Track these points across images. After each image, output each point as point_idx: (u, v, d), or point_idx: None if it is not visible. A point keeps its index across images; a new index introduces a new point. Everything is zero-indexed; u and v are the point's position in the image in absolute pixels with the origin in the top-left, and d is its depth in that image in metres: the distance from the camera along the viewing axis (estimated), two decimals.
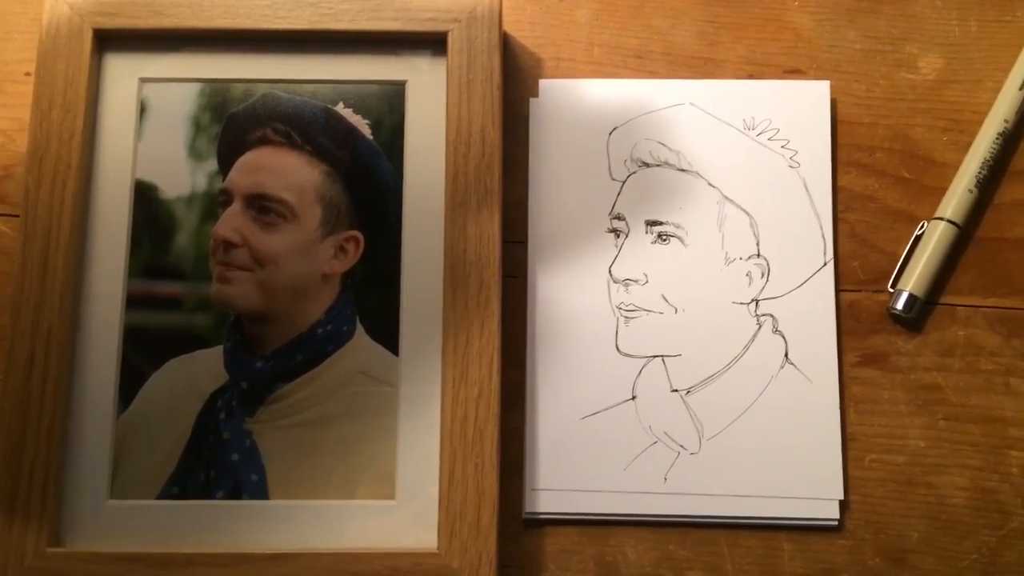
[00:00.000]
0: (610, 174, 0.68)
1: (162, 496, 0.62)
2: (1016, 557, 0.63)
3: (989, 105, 0.68)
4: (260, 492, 0.62)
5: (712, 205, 0.67)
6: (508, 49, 0.70)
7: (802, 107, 0.68)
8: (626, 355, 0.66)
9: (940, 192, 0.67)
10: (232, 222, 0.65)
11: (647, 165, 0.68)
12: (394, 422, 0.63)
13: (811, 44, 0.70)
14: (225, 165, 0.66)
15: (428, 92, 0.66)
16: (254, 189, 0.65)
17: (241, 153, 0.66)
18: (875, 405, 0.65)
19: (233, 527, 0.62)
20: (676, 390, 0.65)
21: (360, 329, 0.64)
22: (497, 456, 0.61)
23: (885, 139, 0.69)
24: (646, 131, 0.68)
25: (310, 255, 0.65)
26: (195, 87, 0.67)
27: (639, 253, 0.67)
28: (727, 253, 0.66)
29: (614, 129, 0.68)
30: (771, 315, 0.66)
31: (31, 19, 0.70)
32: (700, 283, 0.66)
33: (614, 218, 0.67)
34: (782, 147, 0.68)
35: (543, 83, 0.69)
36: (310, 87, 0.67)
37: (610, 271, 0.66)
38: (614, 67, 0.70)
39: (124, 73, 0.67)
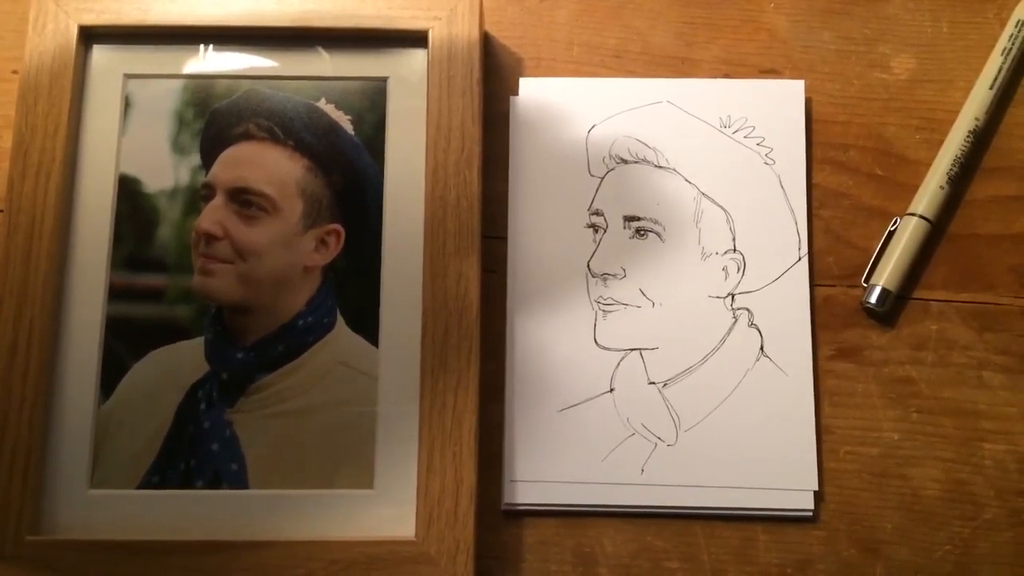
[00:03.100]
0: (589, 170, 0.69)
1: (142, 485, 0.63)
2: (989, 548, 0.64)
3: (960, 104, 0.70)
4: (240, 481, 0.63)
5: (689, 201, 0.68)
6: (489, 48, 0.71)
7: (777, 106, 0.69)
8: (604, 348, 0.66)
9: (912, 189, 0.69)
10: (214, 215, 0.66)
11: (625, 162, 0.69)
12: (373, 412, 0.63)
13: (786, 45, 0.72)
14: (208, 159, 0.67)
15: (409, 88, 0.67)
16: (236, 183, 0.66)
17: (224, 148, 0.67)
18: (849, 398, 0.66)
19: (212, 516, 0.62)
20: (653, 383, 0.66)
21: (341, 321, 0.65)
22: (475, 445, 0.62)
23: (859, 137, 0.70)
24: (624, 128, 0.69)
25: (292, 248, 0.65)
26: (179, 83, 0.68)
27: (617, 248, 0.67)
28: (704, 248, 0.67)
29: (593, 126, 0.69)
30: (747, 309, 0.66)
31: (19, 18, 0.70)
32: (677, 277, 0.67)
33: (593, 214, 0.68)
34: (758, 144, 0.69)
35: (523, 81, 0.70)
36: (293, 83, 0.68)
37: (588, 265, 0.67)
38: (593, 66, 0.71)
39: (109, 69, 0.68)
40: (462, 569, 0.60)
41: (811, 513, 0.64)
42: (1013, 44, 0.69)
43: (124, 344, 0.64)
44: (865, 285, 0.67)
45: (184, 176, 0.66)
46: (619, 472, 0.65)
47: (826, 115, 0.70)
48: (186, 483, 0.63)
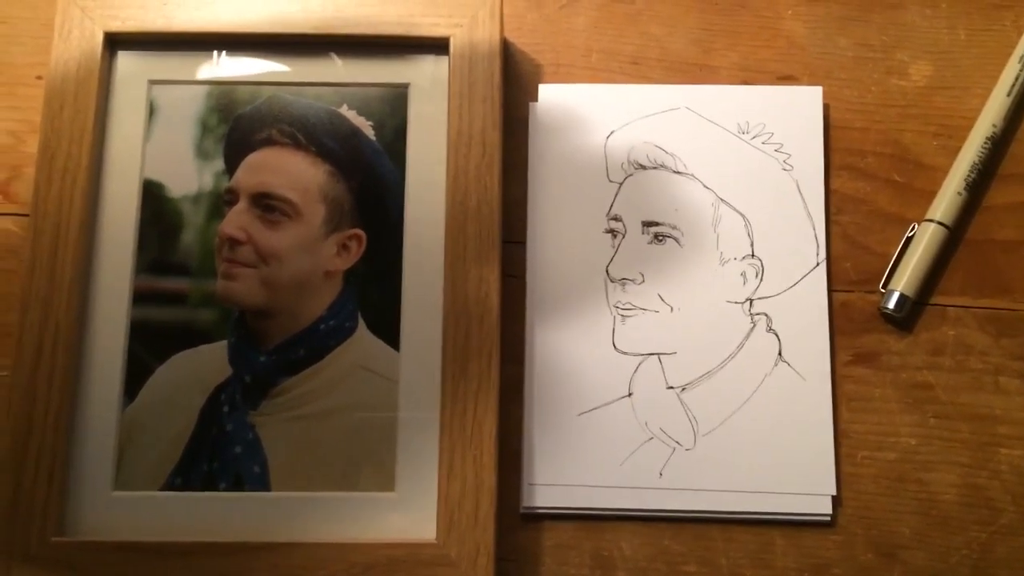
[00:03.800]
0: (608, 176, 0.69)
1: (165, 487, 0.63)
2: (1005, 553, 0.64)
3: (977, 111, 0.70)
4: (262, 484, 0.63)
5: (707, 207, 0.68)
6: (509, 55, 0.72)
7: (795, 112, 0.70)
8: (623, 353, 0.67)
9: (930, 195, 0.69)
10: (237, 220, 0.66)
11: (644, 167, 0.69)
12: (394, 416, 0.64)
13: (804, 51, 0.72)
14: (231, 165, 0.67)
15: (430, 95, 0.68)
16: (259, 188, 0.67)
17: (247, 153, 0.67)
18: (867, 403, 0.66)
19: (235, 518, 0.63)
20: (672, 387, 0.66)
21: (362, 325, 0.65)
22: (495, 449, 0.62)
23: (876, 143, 0.70)
24: (643, 134, 0.70)
25: (313, 252, 0.66)
26: (203, 89, 0.68)
27: (636, 253, 0.68)
28: (722, 253, 0.68)
29: (612, 132, 0.70)
30: (765, 314, 0.67)
31: (43, 24, 0.71)
32: (695, 283, 0.67)
33: (611, 219, 0.69)
34: (776, 151, 0.69)
35: (543, 88, 0.71)
36: (315, 90, 0.68)
37: (607, 271, 0.68)
38: (611, 73, 0.72)
39: (134, 75, 0.69)
40: (482, 572, 0.61)
41: (828, 518, 0.64)
42: None
43: (148, 347, 0.65)
44: (883, 291, 0.67)
45: (208, 181, 0.67)
46: (637, 476, 0.65)
47: (844, 121, 0.71)
48: (209, 485, 0.63)
